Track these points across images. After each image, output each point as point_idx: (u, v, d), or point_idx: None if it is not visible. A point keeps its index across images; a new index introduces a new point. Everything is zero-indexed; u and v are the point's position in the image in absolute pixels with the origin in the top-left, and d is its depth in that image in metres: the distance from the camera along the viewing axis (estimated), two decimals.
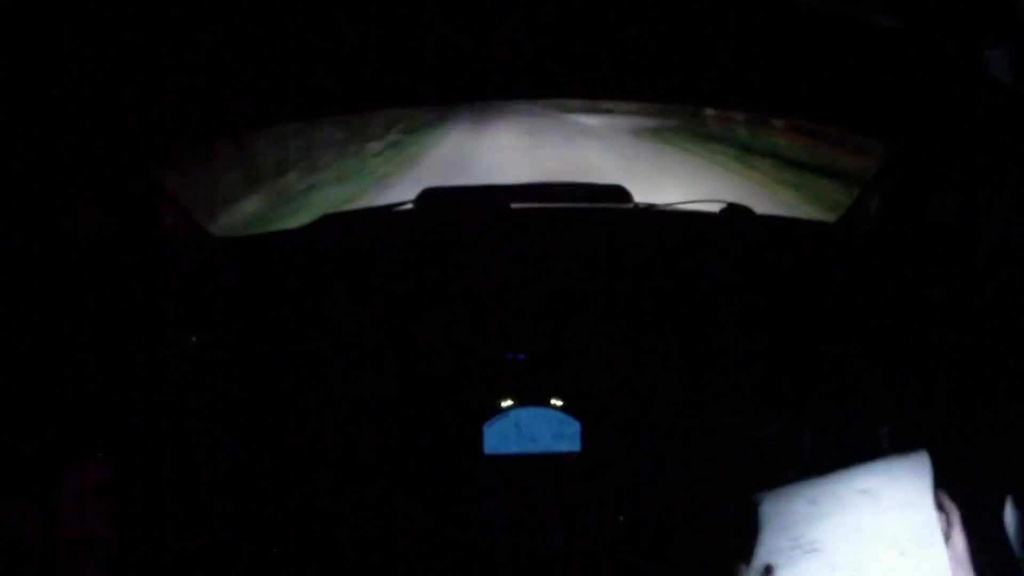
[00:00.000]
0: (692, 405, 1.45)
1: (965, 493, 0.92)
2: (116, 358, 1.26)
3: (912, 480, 0.91)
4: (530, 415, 1.43)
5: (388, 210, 1.81)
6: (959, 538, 0.90)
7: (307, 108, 1.49)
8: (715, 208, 1.75)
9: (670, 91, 1.60)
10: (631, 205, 1.82)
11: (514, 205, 1.75)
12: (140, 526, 1.14)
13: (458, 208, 1.82)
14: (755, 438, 1.43)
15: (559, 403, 1.43)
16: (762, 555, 0.85)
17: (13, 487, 0.92)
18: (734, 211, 1.75)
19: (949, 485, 0.91)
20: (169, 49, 1.06)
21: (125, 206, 1.38)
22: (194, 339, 1.44)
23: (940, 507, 0.91)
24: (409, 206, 1.78)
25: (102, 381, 1.18)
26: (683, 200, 1.81)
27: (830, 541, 0.86)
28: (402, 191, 2.03)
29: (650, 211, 1.80)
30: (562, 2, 1.03)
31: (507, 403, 1.43)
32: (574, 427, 1.43)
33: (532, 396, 1.43)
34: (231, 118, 1.38)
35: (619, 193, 1.84)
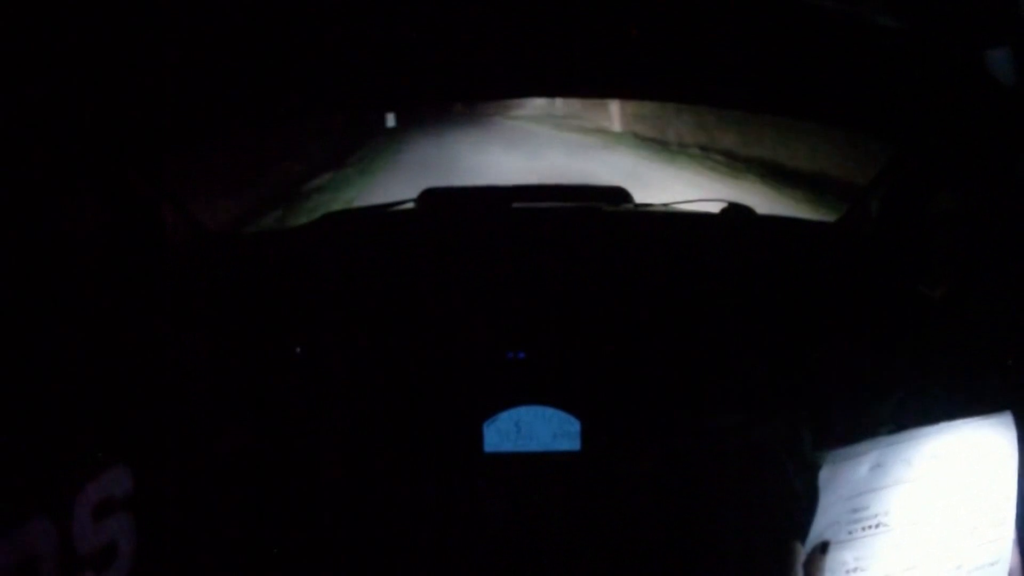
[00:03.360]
0: (692, 404, 1.45)
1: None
2: (128, 364, 1.26)
3: (991, 446, 0.82)
4: (530, 414, 1.43)
5: (389, 209, 1.81)
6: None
7: (307, 108, 1.49)
8: (715, 208, 1.75)
9: (670, 91, 1.60)
10: (631, 205, 1.83)
11: (515, 205, 1.75)
12: (160, 538, 1.13)
13: (459, 208, 1.82)
14: (755, 437, 1.43)
15: (559, 402, 1.43)
16: (819, 529, 0.78)
17: (30, 500, 0.91)
18: (734, 211, 1.75)
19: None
20: (169, 48, 1.06)
21: (126, 205, 1.38)
22: (193, 339, 1.44)
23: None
24: (410, 205, 1.79)
25: (116, 389, 1.17)
26: (683, 200, 1.81)
27: (895, 513, 0.80)
28: (403, 192, 2.03)
29: (650, 211, 1.80)
30: (563, 2, 1.03)
31: (507, 402, 1.43)
32: (574, 426, 1.43)
33: (532, 395, 1.43)
34: (231, 118, 1.38)
35: (619, 194, 1.85)
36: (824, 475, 0.78)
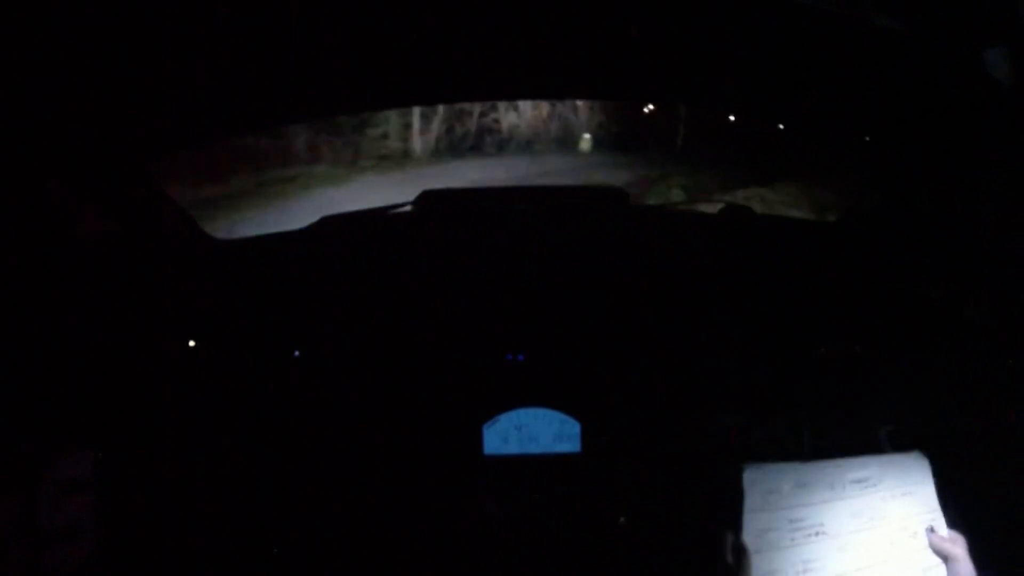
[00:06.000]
0: (692, 405, 1.45)
1: (965, 491, 0.92)
2: (111, 357, 1.26)
3: (911, 472, 0.90)
4: (530, 416, 1.43)
5: (387, 211, 1.81)
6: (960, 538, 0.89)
7: (306, 109, 1.49)
8: (714, 208, 1.75)
9: (669, 91, 1.60)
10: (629, 207, 1.82)
11: (513, 207, 1.75)
12: (122, 520, 1.15)
13: (457, 209, 1.82)
14: (755, 438, 1.43)
15: (559, 404, 1.43)
16: (758, 533, 0.84)
17: (0, 477, 0.94)
18: (733, 211, 1.74)
19: (948, 484, 0.91)
20: (168, 49, 1.06)
21: (124, 207, 1.38)
22: (192, 339, 1.43)
23: (941, 502, 0.90)
24: (408, 207, 1.78)
25: (92, 378, 1.18)
26: (682, 201, 1.81)
27: (833, 524, 0.85)
28: (400, 193, 2.03)
29: (649, 212, 1.80)
30: (562, 2, 1.03)
31: (507, 404, 1.43)
32: (574, 428, 1.43)
33: (532, 397, 1.43)
34: (231, 118, 1.38)
35: (617, 194, 1.85)
36: (749, 481, 0.85)
